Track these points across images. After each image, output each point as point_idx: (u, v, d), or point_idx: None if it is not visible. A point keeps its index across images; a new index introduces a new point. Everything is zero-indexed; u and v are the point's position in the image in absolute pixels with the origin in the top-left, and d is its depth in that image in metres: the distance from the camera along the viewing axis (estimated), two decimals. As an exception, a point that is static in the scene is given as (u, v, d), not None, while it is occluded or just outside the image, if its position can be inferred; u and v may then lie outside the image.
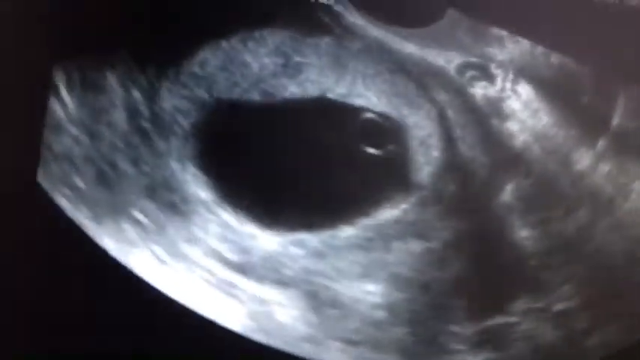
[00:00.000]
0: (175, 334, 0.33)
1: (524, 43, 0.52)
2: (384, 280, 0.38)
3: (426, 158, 0.44)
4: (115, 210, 0.35)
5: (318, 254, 0.38)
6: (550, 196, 0.45)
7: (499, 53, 0.50)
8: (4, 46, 0.39)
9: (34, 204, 0.34)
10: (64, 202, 0.35)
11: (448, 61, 0.49)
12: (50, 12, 0.41)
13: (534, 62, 0.51)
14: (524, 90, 0.50)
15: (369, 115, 0.45)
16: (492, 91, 0.49)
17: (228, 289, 0.35)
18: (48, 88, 0.39)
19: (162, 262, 0.35)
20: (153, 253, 0.35)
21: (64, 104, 0.39)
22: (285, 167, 0.41)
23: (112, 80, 0.41)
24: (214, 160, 0.39)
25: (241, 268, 0.36)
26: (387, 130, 0.45)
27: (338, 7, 0.49)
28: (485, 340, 0.38)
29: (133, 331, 0.32)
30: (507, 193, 0.44)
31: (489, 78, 0.50)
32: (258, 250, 0.37)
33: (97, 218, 0.35)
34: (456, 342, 0.37)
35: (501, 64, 0.50)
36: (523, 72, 0.50)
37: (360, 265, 0.38)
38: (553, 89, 0.50)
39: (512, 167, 0.46)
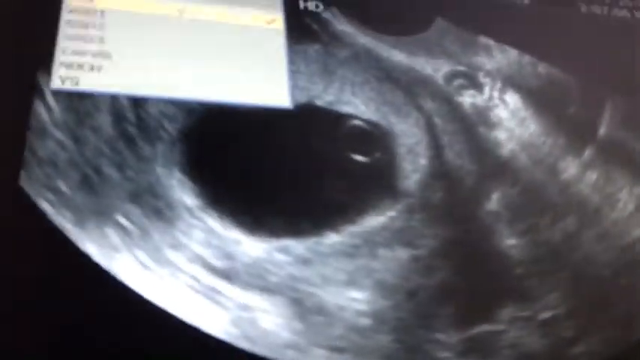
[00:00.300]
0: (158, 339, 0.32)
1: (512, 53, 0.52)
2: (370, 288, 0.38)
3: (413, 166, 0.44)
4: (98, 215, 0.35)
5: (304, 261, 0.38)
6: (537, 204, 0.45)
7: (487, 62, 0.51)
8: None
9: (16, 208, 0.34)
10: (46, 207, 0.35)
11: (436, 69, 0.50)
12: (36, 12, 0.41)
13: (522, 72, 0.51)
14: (512, 99, 0.50)
15: (356, 122, 0.45)
16: (480, 99, 0.49)
17: (212, 295, 0.35)
18: (32, 91, 0.39)
19: (146, 267, 0.35)
20: (136, 258, 0.35)
21: (49, 108, 0.39)
22: (272, 173, 0.41)
23: (98, 84, 0.41)
24: (200, 166, 0.39)
25: (226, 275, 0.36)
26: (374, 138, 0.45)
27: (326, 15, 0.49)
28: (471, 348, 0.38)
29: (114, 336, 0.32)
30: (494, 201, 0.44)
31: (477, 87, 0.50)
32: (243, 257, 0.36)
33: (81, 223, 0.35)
34: (441, 350, 0.37)
35: (489, 73, 0.50)
36: (511, 81, 0.50)
37: (345, 272, 0.38)
38: (540, 98, 0.51)
39: (499, 175, 0.46)
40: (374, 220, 0.41)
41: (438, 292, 0.39)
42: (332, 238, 0.39)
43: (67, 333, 0.32)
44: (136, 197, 0.37)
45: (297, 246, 0.38)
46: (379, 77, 0.48)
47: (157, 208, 0.37)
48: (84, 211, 0.35)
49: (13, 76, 0.39)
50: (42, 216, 0.34)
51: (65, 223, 0.34)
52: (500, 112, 0.49)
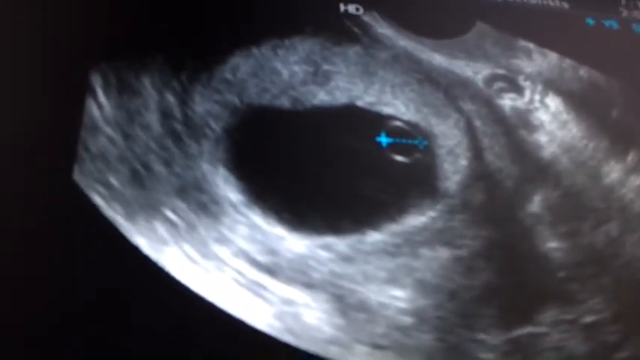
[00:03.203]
0: (204, 331, 0.33)
1: (552, 56, 0.52)
2: (411, 286, 0.38)
3: (453, 167, 0.44)
4: (147, 209, 0.36)
5: (346, 258, 0.38)
6: (579, 208, 0.44)
7: (527, 66, 0.51)
8: (45, 49, 0.41)
9: (70, 201, 0.35)
10: (98, 200, 0.36)
11: (476, 72, 0.50)
12: (88, 15, 0.43)
13: (563, 75, 0.51)
14: (553, 102, 0.50)
15: (397, 123, 0.45)
16: (520, 102, 0.49)
17: (256, 289, 0.35)
18: (85, 90, 0.40)
19: (193, 260, 0.35)
20: (184, 251, 0.35)
21: (101, 105, 0.40)
22: (314, 172, 0.41)
23: (146, 83, 0.42)
24: (244, 164, 0.40)
25: (269, 269, 0.36)
26: (415, 139, 0.45)
27: (367, 18, 0.50)
28: (514, 349, 0.37)
29: (161, 325, 0.33)
30: (535, 203, 0.44)
31: (517, 90, 0.50)
32: (286, 252, 0.37)
33: (131, 216, 0.36)
34: (483, 350, 0.37)
35: (529, 77, 0.50)
36: (551, 84, 0.50)
37: (386, 270, 0.38)
38: (582, 102, 0.50)
39: (540, 178, 0.45)
40: (415, 220, 0.41)
41: (480, 292, 0.39)
42: (373, 237, 0.39)
43: (116, 322, 0.33)
44: (182, 192, 0.37)
45: (339, 243, 0.38)
46: (419, 79, 0.48)
47: (202, 203, 0.37)
48: (134, 204, 0.36)
49: (68, 76, 0.40)
50: (94, 209, 0.35)
51: (116, 216, 0.35)
52: (542, 115, 0.49)
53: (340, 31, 0.48)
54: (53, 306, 0.32)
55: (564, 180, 0.45)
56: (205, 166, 0.39)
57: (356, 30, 0.49)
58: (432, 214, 0.41)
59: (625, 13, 0.58)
